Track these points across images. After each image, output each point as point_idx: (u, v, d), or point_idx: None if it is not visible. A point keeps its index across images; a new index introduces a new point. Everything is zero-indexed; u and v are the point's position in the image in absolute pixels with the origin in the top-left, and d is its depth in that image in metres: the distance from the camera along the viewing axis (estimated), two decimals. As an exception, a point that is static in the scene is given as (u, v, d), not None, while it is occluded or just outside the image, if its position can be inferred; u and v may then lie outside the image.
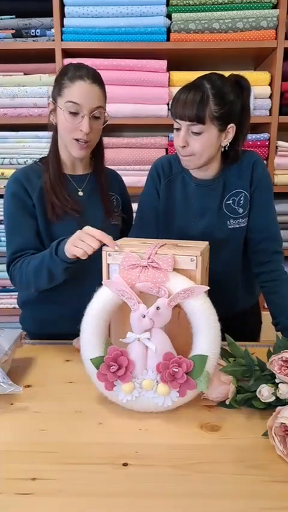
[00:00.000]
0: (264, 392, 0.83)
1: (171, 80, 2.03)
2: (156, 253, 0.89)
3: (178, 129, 1.12)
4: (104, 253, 0.94)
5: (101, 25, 1.98)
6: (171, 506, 0.64)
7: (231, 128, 1.13)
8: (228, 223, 1.21)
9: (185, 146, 1.11)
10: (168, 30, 1.99)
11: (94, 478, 0.69)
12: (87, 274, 1.18)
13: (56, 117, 1.16)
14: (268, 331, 1.29)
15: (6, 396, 0.90)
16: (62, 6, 1.99)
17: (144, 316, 0.83)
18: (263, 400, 0.83)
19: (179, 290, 0.83)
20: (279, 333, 1.07)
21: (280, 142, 2.05)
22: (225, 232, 1.21)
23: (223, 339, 0.87)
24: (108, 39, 1.98)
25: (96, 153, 1.28)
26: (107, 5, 1.97)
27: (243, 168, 1.20)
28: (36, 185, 1.18)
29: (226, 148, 1.17)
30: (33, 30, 2.01)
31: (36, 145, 2.08)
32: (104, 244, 0.94)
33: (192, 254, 0.89)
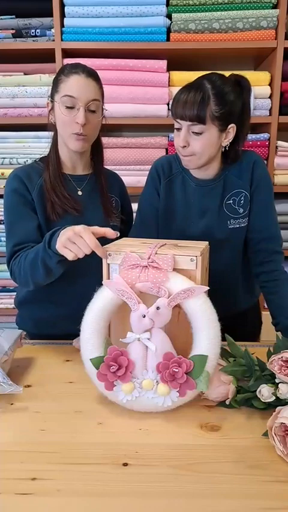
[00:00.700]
0: (264, 392, 0.83)
1: (171, 80, 2.03)
2: (156, 253, 0.89)
3: (179, 129, 1.12)
4: (104, 253, 0.94)
5: (101, 25, 1.98)
6: (171, 506, 0.64)
7: (232, 128, 1.13)
8: (229, 223, 1.21)
9: (185, 146, 1.11)
10: (168, 30, 1.99)
11: (94, 478, 0.69)
12: (83, 274, 1.18)
13: (55, 115, 1.16)
14: (268, 331, 1.29)
15: (6, 396, 0.90)
16: (62, 6, 2.00)
17: (144, 316, 0.83)
18: (263, 400, 0.83)
19: (179, 290, 0.83)
20: (279, 333, 1.07)
21: (280, 142, 2.05)
22: (226, 232, 1.21)
23: (223, 339, 0.87)
24: (108, 39, 1.98)
25: (96, 153, 1.28)
26: (107, 5, 1.97)
27: (244, 168, 1.20)
28: (37, 183, 1.18)
29: (227, 148, 1.17)
30: (33, 30, 2.01)
31: (36, 145, 2.08)
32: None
33: (192, 254, 0.89)
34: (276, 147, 2.05)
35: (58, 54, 1.99)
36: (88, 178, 1.27)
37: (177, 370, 0.81)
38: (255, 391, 0.85)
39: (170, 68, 2.03)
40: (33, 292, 1.22)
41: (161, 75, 2.01)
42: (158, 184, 1.26)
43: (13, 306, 2.18)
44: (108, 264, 0.94)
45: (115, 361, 0.83)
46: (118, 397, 0.85)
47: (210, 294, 0.88)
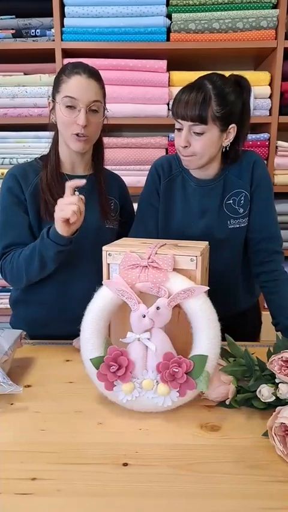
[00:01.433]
0: (264, 392, 0.83)
1: (171, 80, 2.03)
2: (156, 253, 0.89)
3: (179, 130, 1.12)
4: (104, 253, 0.94)
5: (101, 25, 1.98)
6: (171, 506, 0.64)
7: (233, 128, 1.13)
8: (229, 223, 1.21)
9: (186, 146, 1.11)
10: (168, 30, 1.99)
11: (94, 478, 0.69)
12: (74, 277, 1.19)
13: (56, 114, 1.16)
14: (268, 331, 1.29)
15: (6, 396, 0.90)
16: (62, 6, 1.99)
17: (144, 316, 0.83)
18: (263, 400, 0.83)
19: (179, 290, 0.83)
20: (279, 333, 1.07)
21: (280, 142, 2.05)
22: (226, 232, 1.21)
23: (223, 339, 0.87)
24: (108, 39, 1.98)
25: (96, 153, 1.28)
26: (107, 5, 1.97)
27: (244, 168, 1.21)
28: (32, 182, 1.18)
29: (227, 148, 1.17)
30: (33, 30, 2.01)
31: (36, 145, 2.08)
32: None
33: (192, 254, 0.89)
34: (276, 147, 2.05)
35: (58, 54, 1.99)
36: (87, 178, 1.25)
37: (177, 370, 0.81)
38: (255, 391, 0.85)
39: (170, 68, 2.03)
40: (25, 293, 1.24)
41: (161, 75, 2.01)
42: (158, 184, 1.26)
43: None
44: (108, 264, 0.94)
45: (115, 361, 0.83)
46: (118, 397, 0.85)
47: (210, 294, 0.88)
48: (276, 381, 0.83)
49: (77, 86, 1.11)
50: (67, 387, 0.97)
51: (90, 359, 0.86)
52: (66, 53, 2.02)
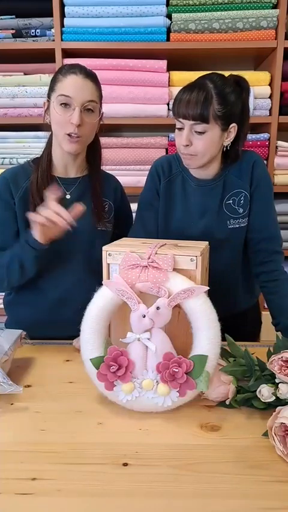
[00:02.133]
0: (264, 392, 0.83)
1: (171, 80, 2.03)
2: (156, 253, 0.89)
3: (180, 129, 1.12)
4: (104, 253, 0.94)
5: (101, 25, 1.98)
6: (171, 506, 0.64)
7: (233, 128, 1.13)
8: (228, 223, 1.21)
9: (188, 145, 1.11)
10: (168, 30, 1.99)
11: (94, 478, 0.69)
12: (65, 279, 1.19)
13: (50, 114, 1.15)
14: (268, 331, 1.29)
15: (6, 396, 0.90)
16: (62, 6, 1.99)
17: (144, 316, 0.83)
18: (263, 400, 0.83)
19: (179, 290, 0.83)
20: (279, 333, 1.07)
21: (280, 142, 2.05)
22: (226, 232, 1.21)
23: (223, 339, 0.87)
24: (108, 39, 1.98)
25: (92, 155, 1.25)
26: (107, 5, 1.97)
27: (244, 168, 1.21)
28: (23, 186, 1.18)
29: (228, 148, 1.17)
30: (33, 30, 2.01)
31: (36, 145, 2.07)
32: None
33: (192, 254, 0.89)
34: (276, 147, 2.05)
35: (58, 54, 1.99)
36: (79, 181, 1.24)
37: (177, 370, 0.81)
38: (255, 391, 0.85)
39: (170, 68, 2.03)
40: (17, 295, 1.25)
41: (161, 75, 2.01)
42: (158, 184, 1.26)
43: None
44: (108, 264, 0.94)
45: (115, 361, 0.83)
46: (118, 397, 0.85)
47: (210, 294, 0.88)
48: (276, 381, 0.83)
49: (72, 84, 1.10)
50: (67, 387, 0.97)
51: (90, 359, 0.86)
52: (66, 53, 2.02)
